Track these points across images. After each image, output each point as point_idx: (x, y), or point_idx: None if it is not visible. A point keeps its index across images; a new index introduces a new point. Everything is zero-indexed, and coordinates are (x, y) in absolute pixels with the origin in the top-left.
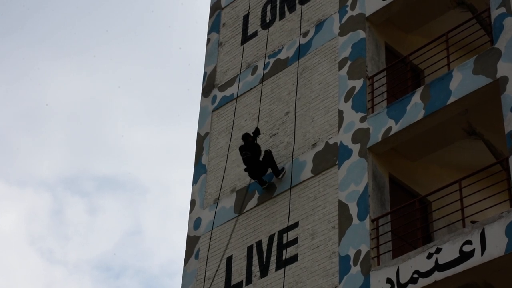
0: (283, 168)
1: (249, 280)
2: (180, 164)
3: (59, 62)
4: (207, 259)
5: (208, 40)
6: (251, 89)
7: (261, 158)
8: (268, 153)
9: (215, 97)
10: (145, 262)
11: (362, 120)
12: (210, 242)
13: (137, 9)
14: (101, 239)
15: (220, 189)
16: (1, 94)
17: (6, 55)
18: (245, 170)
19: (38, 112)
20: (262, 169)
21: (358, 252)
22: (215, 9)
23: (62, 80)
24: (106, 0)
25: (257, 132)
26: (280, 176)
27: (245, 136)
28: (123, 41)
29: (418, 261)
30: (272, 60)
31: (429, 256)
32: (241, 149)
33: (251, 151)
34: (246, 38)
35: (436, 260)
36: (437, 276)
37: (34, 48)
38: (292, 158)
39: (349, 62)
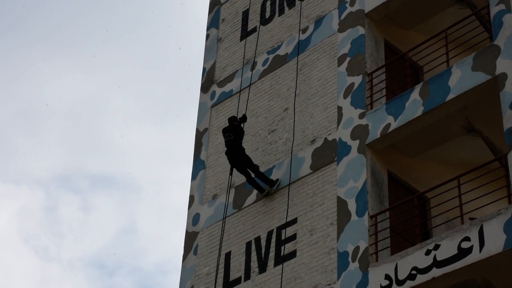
0: (277, 180)
1: (247, 276)
2: (176, 163)
3: (58, 61)
4: (204, 254)
5: (207, 36)
6: (250, 85)
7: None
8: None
9: (214, 93)
10: (140, 260)
11: (361, 116)
12: (208, 238)
13: (137, 9)
14: (95, 237)
15: (219, 185)
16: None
17: (5, 54)
18: (226, 153)
19: (37, 111)
20: (242, 156)
21: (357, 249)
22: (214, 5)
23: (62, 79)
24: (106, 0)
25: (244, 118)
26: (274, 187)
27: (231, 119)
28: (122, 41)
29: (417, 257)
30: (271, 56)
31: (428, 252)
32: (224, 131)
33: (234, 135)
34: (245, 34)
35: (435, 257)
36: (436, 272)
37: (33, 48)
38: (291, 154)
39: (348, 59)
